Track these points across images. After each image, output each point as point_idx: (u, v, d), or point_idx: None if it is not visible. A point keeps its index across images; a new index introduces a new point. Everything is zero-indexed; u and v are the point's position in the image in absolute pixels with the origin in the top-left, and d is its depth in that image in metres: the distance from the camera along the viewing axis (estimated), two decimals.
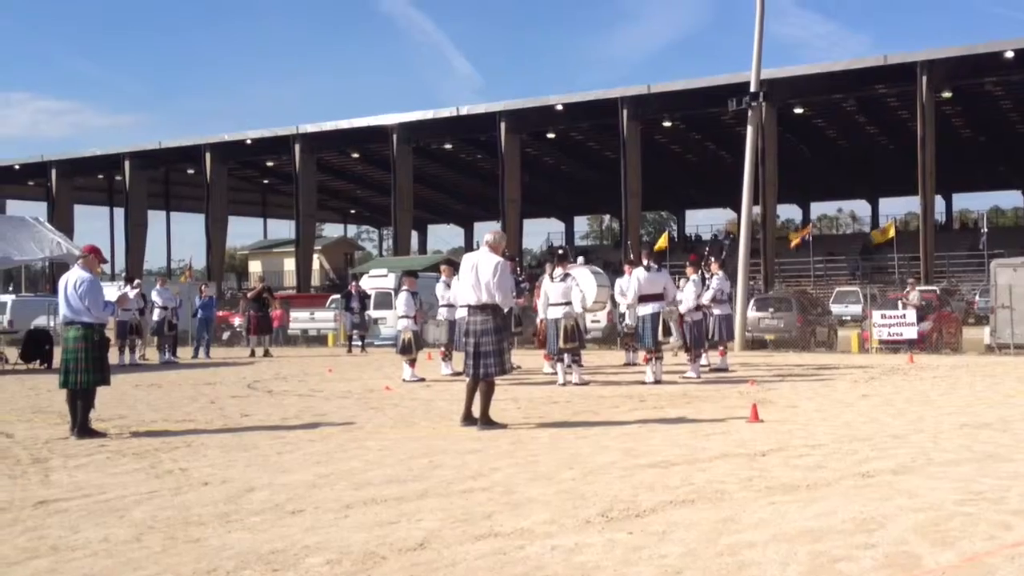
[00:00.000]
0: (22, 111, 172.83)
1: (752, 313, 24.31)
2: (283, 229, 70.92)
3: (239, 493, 6.26)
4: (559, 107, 45.07)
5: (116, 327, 19.88)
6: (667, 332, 13.75)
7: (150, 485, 6.63)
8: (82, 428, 9.12)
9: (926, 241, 38.01)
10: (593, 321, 22.16)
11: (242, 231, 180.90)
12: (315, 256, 59.48)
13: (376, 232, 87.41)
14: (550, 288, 14.06)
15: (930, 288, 29.01)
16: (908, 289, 22.91)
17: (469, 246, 70.31)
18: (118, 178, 57.40)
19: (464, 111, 47.78)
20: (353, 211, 78.44)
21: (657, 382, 13.44)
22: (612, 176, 47.20)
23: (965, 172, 55.71)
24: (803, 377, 14.64)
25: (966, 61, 37.97)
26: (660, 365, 13.79)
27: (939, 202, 54.87)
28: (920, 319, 21.06)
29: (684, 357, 15.92)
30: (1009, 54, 36.31)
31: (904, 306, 21.39)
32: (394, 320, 18.45)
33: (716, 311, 16.03)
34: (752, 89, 23.49)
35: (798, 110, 45.67)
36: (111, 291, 11.16)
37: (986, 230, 47.61)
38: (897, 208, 72.31)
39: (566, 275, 14.03)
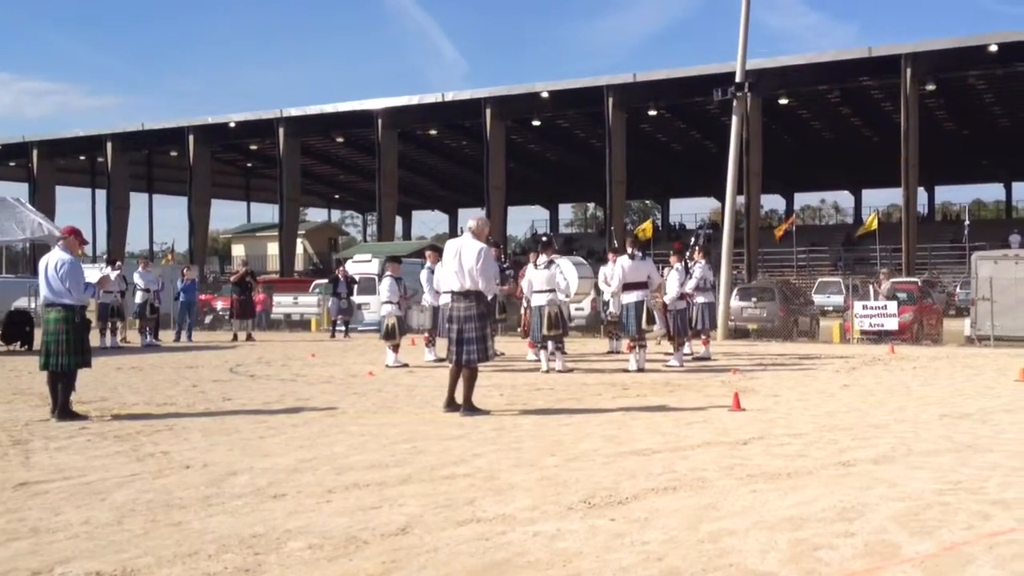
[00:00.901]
0: (5, 92, 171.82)
1: (735, 302, 24.40)
2: (266, 213, 70.72)
3: (221, 477, 6.25)
4: (545, 94, 44.97)
5: (97, 309, 19.79)
6: (651, 320, 13.78)
7: (131, 468, 6.60)
8: (63, 410, 9.08)
9: (908, 233, 38.25)
10: (577, 309, 22.18)
11: (225, 214, 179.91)
12: (299, 240, 59.27)
13: (360, 217, 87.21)
14: (534, 275, 14.09)
15: (911, 280, 29.16)
16: (880, 278, 22.94)
17: (453, 232, 70.19)
18: (100, 160, 56.90)
19: (449, 97, 47.62)
20: (337, 196, 78.13)
21: (640, 370, 13.46)
22: (597, 164, 47.17)
23: (948, 164, 55.97)
24: (785, 366, 14.68)
25: (951, 54, 38.13)
26: (643, 353, 13.81)
27: (922, 194, 55.03)
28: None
29: (667, 346, 15.99)
30: (993, 47, 36.44)
31: (876, 296, 21.42)
32: (377, 305, 18.42)
33: (699, 299, 16.02)
34: (737, 79, 23.48)
35: (783, 101, 45.72)
36: (92, 273, 11.07)
37: (968, 222, 47.98)
38: (880, 200, 72.31)
39: (550, 262, 14.06)
